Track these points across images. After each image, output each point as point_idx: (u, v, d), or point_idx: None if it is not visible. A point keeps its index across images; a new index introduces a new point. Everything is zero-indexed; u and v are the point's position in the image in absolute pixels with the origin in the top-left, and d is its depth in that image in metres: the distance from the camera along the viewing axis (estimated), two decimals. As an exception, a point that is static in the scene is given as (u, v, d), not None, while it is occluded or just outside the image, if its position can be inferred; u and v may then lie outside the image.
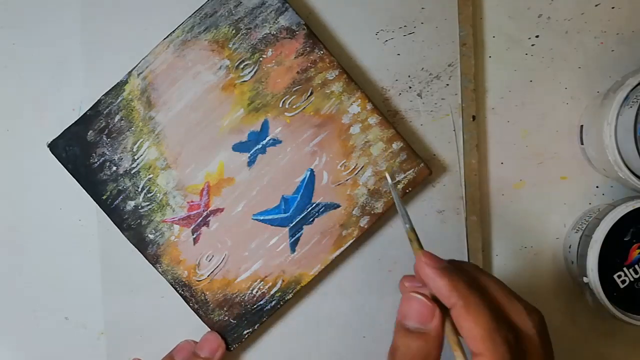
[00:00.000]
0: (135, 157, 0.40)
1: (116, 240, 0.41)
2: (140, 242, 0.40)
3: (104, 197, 0.40)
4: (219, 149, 0.40)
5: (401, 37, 0.41)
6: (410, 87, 0.41)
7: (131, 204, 0.40)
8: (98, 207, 0.40)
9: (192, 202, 0.40)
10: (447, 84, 0.41)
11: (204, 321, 0.40)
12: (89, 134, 0.40)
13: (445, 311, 0.31)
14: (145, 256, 0.40)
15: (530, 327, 0.30)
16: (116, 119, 0.40)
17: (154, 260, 0.40)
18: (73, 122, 0.40)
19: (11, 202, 0.43)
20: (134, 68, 0.40)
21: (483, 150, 0.42)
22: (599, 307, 0.39)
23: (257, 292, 0.40)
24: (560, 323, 0.43)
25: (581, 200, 0.43)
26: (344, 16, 0.41)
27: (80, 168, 0.40)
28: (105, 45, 0.41)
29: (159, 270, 0.40)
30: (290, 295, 0.40)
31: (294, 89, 0.40)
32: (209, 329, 0.41)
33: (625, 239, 0.39)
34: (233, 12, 0.39)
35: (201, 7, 0.39)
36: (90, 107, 0.40)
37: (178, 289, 0.40)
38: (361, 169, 0.40)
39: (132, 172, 0.40)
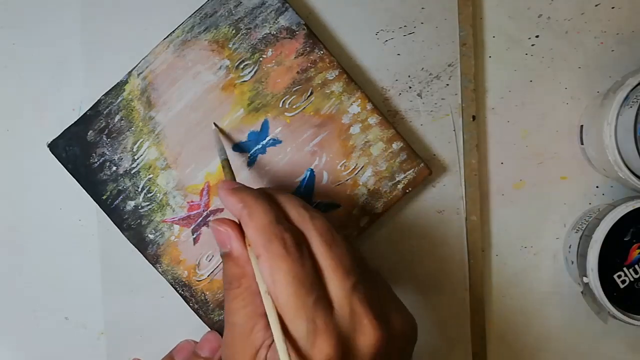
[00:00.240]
0: (135, 157, 0.40)
1: (116, 240, 0.41)
2: (140, 242, 0.40)
3: (104, 197, 0.40)
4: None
5: (401, 37, 0.41)
6: (410, 87, 0.41)
7: (131, 204, 0.40)
8: (98, 207, 0.40)
9: (192, 202, 0.40)
10: (447, 84, 0.41)
11: (204, 321, 0.40)
12: (89, 134, 0.40)
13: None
14: (145, 256, 0.40)
15: (311, 229, 0.32)
16: (116, 119, 0.40)
17: (154, 260, 0.40)
18: (73, 122, 0.40)
19: (11, 202, 0.43)
20: (134, 68, 0.40)
21: (483, 150, 0.42)
22: (599, 307, 0.39)
23: (257, 292, 0.40)
24: (560, 323, 0.43)
25: (581, 200, 0.43)
26: (344, 16, 0.41)
27: (80, 168, 0.40)
28: (105, 45, 0.41)
29: (159, 270, 0.40)
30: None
31: (294, 89, 0.40)
32: (209, 329, 0.41)
33: (625, 239, 0.39)
34: (233, 12, 0.39)
35: (201, 7, 0.39)
36: (90, 107, 0.40)
37: (178, 289, 0.40)
38: (361, 169, 0.40)
39: (132, 172, 0.40)
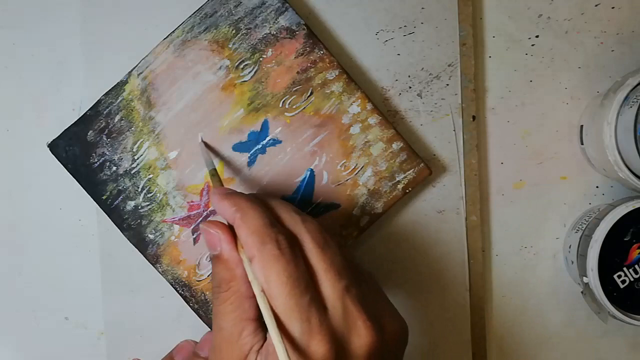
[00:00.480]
0: (135, 157, 0.40)
1: (116, 240, 0.41)
2: (140, 242, 0.40)
3: (104, 197, 0.40)
4: (219, 149, 0.40)
5: (401, 37, 0.41)
6: (410, 87, 0.41)
7: (131, 204, 0.40)
8: (98, 207, 0.40)
9: (192, 202, 0.40)
10: (447, 84, 0.41)
11: (204, 321, 0.40)
12: (89, 134, 0.40)
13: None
14: (145, 256, 0.40)
15: (304, 232, 0.32)
16: (116, 119, 0.40)
17: (154, 260, 0.40)
18: (73, 122, 0.40)
19: (11, 202, 0.43)
20: (134, 68, 0.40)
21: (483, 150, 0.42)
22: (599, 307, 0.39)
23: (257, 292, 0.40)
24: (560, 323, 0.43)
25: (581, 200, 0.43)
26: (344, 16, 0.41)
27: (80, 168, 0.40)
28: (105, 45, 0.41)
29: (159, 270, 0.40)
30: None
31: (294, 89, 0.40)
32: (209, 329, 0.41)
33: (625, 239, 0.39)
34: (233, 12, 0.39)
35: (201, 7, 0.39)
36: (90, 107, 0.40)
37: (178, 289, 0.40)
38: (361, 169, 0.40)
39: (132, 172, 0.40)
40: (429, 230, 0.42)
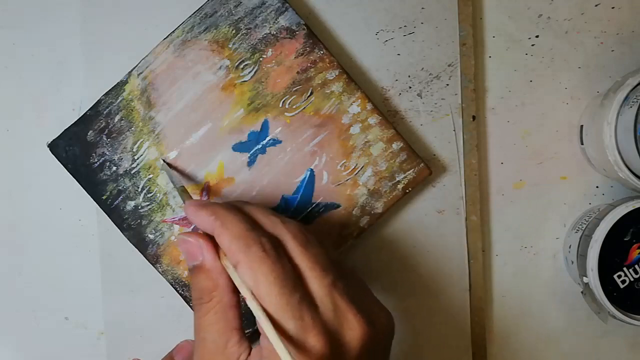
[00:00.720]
0: (135, 157, 0.40)
1: (116, 240, 0.41)
2: (140, 242, 0.40)
3: (104, 197, 0.40)
4: (218, 149, 0.40)
5: (401, 37, 0.41)
6: (410, 87, 0.41)
7: (131, 204, 0.40)
8: (98, 207, 0.40)
9: (192, 202, 0.40)
10: (447, 84, 0.41)
11: (204, 321, 0.40)
12: (89, 134, 0.40)
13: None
14: (145, 256, 0.40)
15: (285, 233, 0.32)
16: (116, 119, 0.40)
17: (154, 260, 0.40)
18: (73, 122, 0.40)
19: (11, 202, 0.43)
20: (134, 68, 0.40)
21: (483, 150, 0.42)
22: (599, 307, 0.39)
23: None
24: (560, 323, 0.43)
25: (581, 200, 0.43)
26: (344, 16, 0.41)
27: (80, 168, 0.40)
28: (105, 45, 0.41)
29: (159, 270, 0.40)
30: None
31: (294, 89, 0.40)
32: (209, 329, 0.41)
33: (625, 239, 0.39)
34: (233, 12, 0.39)
35: (201, 7, 0.39)
36: (90, 107, 0.40)
37: (178, 289, 0.40)
38: (361, 169, 0.40)
39: (132, 172, 0.40)
40: (429, 230, 0.41)
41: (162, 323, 0.42)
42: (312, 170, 0.40)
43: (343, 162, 0.40)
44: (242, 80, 0.40)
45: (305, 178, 0.40)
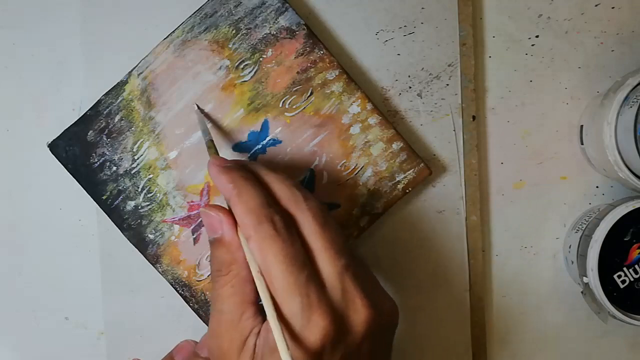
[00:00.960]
0: (135, 157, 0.40)
1: (116, 240, 0.41)
2: (140, 242, 0.40)
3: (104, 197, 0.40)
4: (219, 149, 0.40)
5: (401, 37, 0.41)
6: (410, 87, 0.41)
7: (131, 204, 0.40)
8: (98, 207, 0.40)
9: (192, 202, 0.40)
10: (447, 84, 0.41)
11: (204, 321, 0.40)
12: (89, 134, 0.40)
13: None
14: (145, 256, 0.40)
15: (304, 210, 0.32)
16: (116, 119, 0.40)
17: (154, 260, 0.40)
18: (73, 122, 0.40)
19: (11, 202, 0.43)
20: (134, 68, 0.40)
21: (483, 150, 0.42)
22: (599, 307, 0.39)
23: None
24: (560, 323, 0.43)
25: (581, 200, 0.43)
26: (344, 16, 0.41)
27: (80, 168, 0.40)
28: (105, 45, 0.41)
29: (159, 270, 0.40)
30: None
31: (294, 89, 0.40)
32: (209, 329, 0.41)
33: (625, 239, 0.39)
34: (233, 12, 0.39)
35: (201, 7, 0.39)
36: (90, 107, 0.40)
37: (178, 289, 0.40)
38: (361, 169, 0.40)
39: (132, 172, 0.40)
40: (429, 230, 0.41)
41: (162, 323, 0.42)
42: (312, 170, 0.40)
43: (343, 162, 0.40)
44: (242, 80, 0.40)
45: (305, 178, 0.40)
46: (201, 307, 0.40)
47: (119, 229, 0.40)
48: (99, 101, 0.40)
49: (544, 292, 0.43)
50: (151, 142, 0.40)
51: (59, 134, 0.40)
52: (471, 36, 0.41)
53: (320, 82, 0.40)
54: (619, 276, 0.39)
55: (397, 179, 0.40)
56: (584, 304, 0.41)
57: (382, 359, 0.34)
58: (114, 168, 0.40)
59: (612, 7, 0.42)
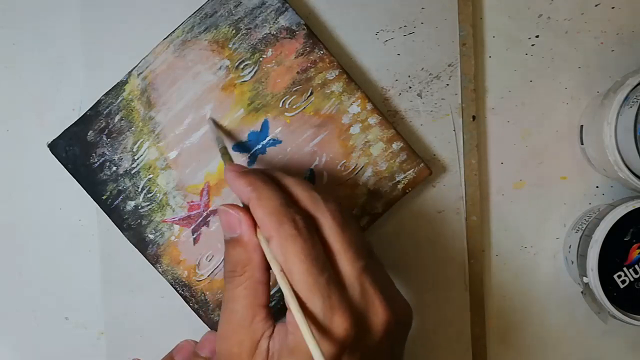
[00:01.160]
0: (135, 157, 0.40)
1: (116, 240, 0.41)
2: (140, 242, 0.40)
3: (104, 197, 0.40)
4: (218, 149, 0.40)
5: (401, 37, 0.41)
6: (410, 87, 0.41)
7: (131, 204, 0.40)
8: (98, 207, 0.40)
9: (192, 202, 0.40)
10: (447, 84, 0.41)
11: (204, 321, 0.40)
12: (89, 134, 0.40)
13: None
14: (145, 256, 0.40)
15: (324, 211, 0.32)
16: (116, 119, 0.40)
17: (154, 260, 0.40)
18: (73, 122, 0.40)
19: (11, 202, 0.43)
20: (134, 68, 0.40)
21: (483, 150, 0.42)
22: (599, 307, 0.39)
23: (257, 292, 0.40)
24: (560, 323, 0.43)
25: (581, 200, 0.43)
26: (344, 16, 0.41)
27: (80, 168, 0.40)
28: (105, 45, 0.41)
29: (159, 270, 0.40)
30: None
31: (294, 89, 0.40)
32: (209, 329, 0.41)
33: (625, 239, 0.39)
34: (233, 12, 0.39)
35: (201, 7, 0.39)
36: (90, 107, 0.40)
37: (178, 289, 0.40)
38: (361, 169, 0.40)
39: (132, 172, 0.40)
40: (428, 230, 0.41)
41: (162, 323, 0.42)
42: (312, 170, 0.40)
43: (343, 162, 0.40)
44: (242, 80, 0.40)
45: (305, 178, 0.40)
46: (201, 307, 0.40)
47: (119, 229, 0.40)
48: (99, 101, 0.40)
49: (544, 292, 0.43)
50: (151, 142, 0.40)
51: (59, 134, 0.40)
52: (471, 36, 0.41)
53: (320, 82, 0.40)
54: (619, 276, 0.39)
55: (397, 179, 0.40)
56: (584, 304, 0.41)
57: (398, 358, 0.34)
58: (114, 168, 0.40)
59: (612, 7, 0.42)
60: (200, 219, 0.40)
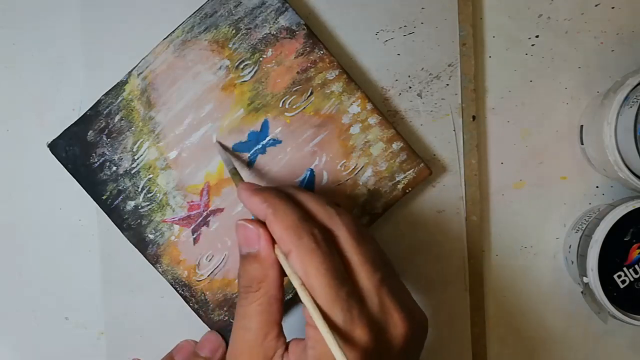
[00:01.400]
0: (135, 157, 0.40)
1: (116, 240, 0.41)
2: (140, 242, 0.40)
3: (104, 197, 0.40)
4: (218, 149, 0.40)
5: (401, 37, 0.41)
6: (410, 87, 0.41)
7: (131, 204, 0.40)
8: (98, 207, 0.40)
9: (192, 202, 0.40)
10: (447, 84, 0.41)
11: (204, 321, 0.40)
12: (89, 134, 0.40)
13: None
14: (145, 256, 0.40)
15: (340, 226, 0.32)
16: (116, 119, 0.40)
17: (154, 260, 0.40)
18: (73, 122, 0.40)
19: (11, 202, 0.43)
20: (134, 68, 0.40)
21: (483, 150, 0.42)
22: (599, 307, 0.39)
23: (257, 292, 0.40)
24: (560, 323, 0.43)
25: (581, 200, 0.43)
26: (344, 16, 0.41)
27: (80, 168, 0.40)
28: (105, 45, 0.41)
29: (159, 270, 0.40)
30: (290, 295, 0.40)
31: (294, 89, 0.40)
32: (209, 329, 0.41)
33: (625, 239, 0.39)
34: (233, 12, 0.39)
35: (201, 7, 0.39)
36: (90, 107, 0.40)
37: (178, 289, 0.40)
38: (361, 169, 0.40)
39: (132, 172, 0.40)
40: (429, 230, 0.41)
41: (162, 323, 0.42)
42: (312, 170, 0.40)
43: (343, 162, 0.40)
44: (242, 80, 0.40)
45: (305, 178, 0.40)
46: (201, 307, 0.40)
47: (119, 229, 0.40)
48: (99, 101, 0.40)
49: (544, 292, 0.43)
50: (151, 142, 0.40)
51: (59, 134, 0.40)
52: (471, 36, 0.41)
53: (320, 82, 0.40)
54: (619, 276, 0.39)
55: (397, 179, 0.40)
56: (584, 304, 0.41)
57: None
58: (114, 168, 0.40)
59: (612, 7, 0.42)
60: (200, 219, 0.40)
